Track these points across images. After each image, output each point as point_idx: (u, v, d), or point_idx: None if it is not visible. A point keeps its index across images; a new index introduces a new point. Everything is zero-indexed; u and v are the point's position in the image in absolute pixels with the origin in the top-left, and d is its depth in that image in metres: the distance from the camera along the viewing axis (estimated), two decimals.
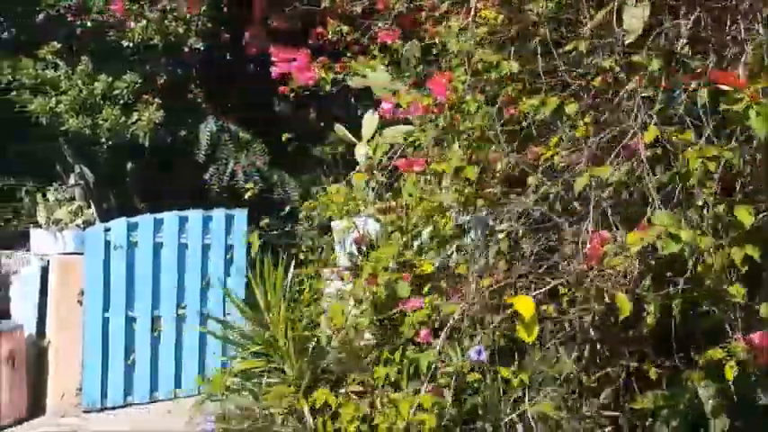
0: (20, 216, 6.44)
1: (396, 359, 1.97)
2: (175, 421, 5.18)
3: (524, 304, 1.66)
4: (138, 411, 5.45)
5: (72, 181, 6.13)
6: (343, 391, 2.11)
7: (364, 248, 2.42)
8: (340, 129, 3.25)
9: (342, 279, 2.44)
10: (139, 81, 5.85)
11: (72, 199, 6.01)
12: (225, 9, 5.25)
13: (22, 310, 5.67)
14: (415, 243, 2.26)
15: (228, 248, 6.20)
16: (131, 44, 5.88)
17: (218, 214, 6.15)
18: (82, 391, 5.34)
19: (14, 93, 5.78)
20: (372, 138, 3.00)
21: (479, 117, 1.95)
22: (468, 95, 1.93)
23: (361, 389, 2.01)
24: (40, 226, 5.96)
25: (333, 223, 3.27)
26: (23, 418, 5.10)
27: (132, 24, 5.15)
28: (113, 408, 5.45)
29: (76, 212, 5.50)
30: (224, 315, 6.14)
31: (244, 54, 5.73)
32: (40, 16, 5.94)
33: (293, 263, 7.47)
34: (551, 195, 1.92)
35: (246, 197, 6.98)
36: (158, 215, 5.76)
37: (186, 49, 6.08)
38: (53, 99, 5.64)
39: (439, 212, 2.07)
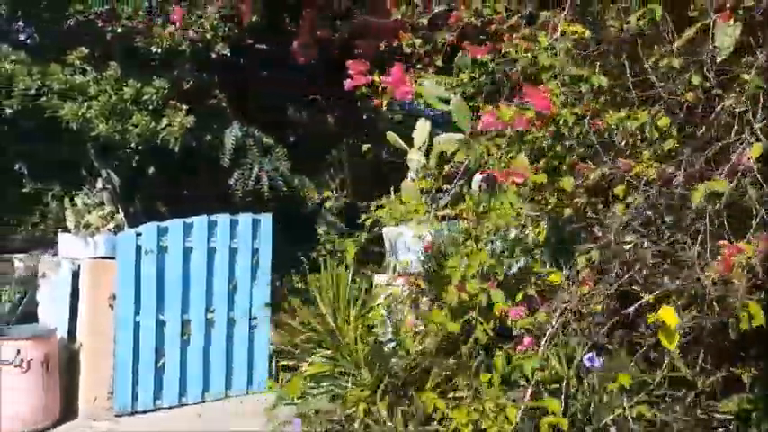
0: (46, 220, 6.49)
1: (498, 365, 2.03)
2: (207, 424, 5.27)
3: (669, 315, 1.75)
4: (167, 415, 5.48)
5: (99, 185, 6.15)
6: (425, 395, 2.16)
7: (431, 255, 2.46)
8: (392, 136, 3.30)
9: (410, 284, 2.47)
10: (168, 87, 5.89)
11: (100, 203, 6.04)
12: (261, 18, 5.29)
13: (53, 313, 5.70)
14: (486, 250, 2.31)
15: (254, 252, 6.26)
16: (160, 50, 5.92)
17: (245, 218, 6.20)
18: (113, 394, 5.36)
19: (44, 98, 5.80)
20: (425, 145, 3.07)
21: (575, 129, 2.02)
22: (564, 108, 2.00)
23: (460, 394, 2.06)
24: (69, 230, 6.01)
25: (384, 230, 3.32)
26: (57, 421, 5.13)
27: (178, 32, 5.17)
28: (144, 412, 5.48)
29: (107, 217, 5.52)
30: (250, 319, 6.22)
31: (271, 60, 5.78)
32: (69, 22, 5.97)
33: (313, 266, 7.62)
34: (646, 206, 1.98)
35: (269, 201, 7.09)
36: (188, 220, 5.81)
37: (213, 55, 6.13)
38: (84, 104, 5.67)
39: (516, 222, 2.13)
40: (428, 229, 2.80)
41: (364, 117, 9.28)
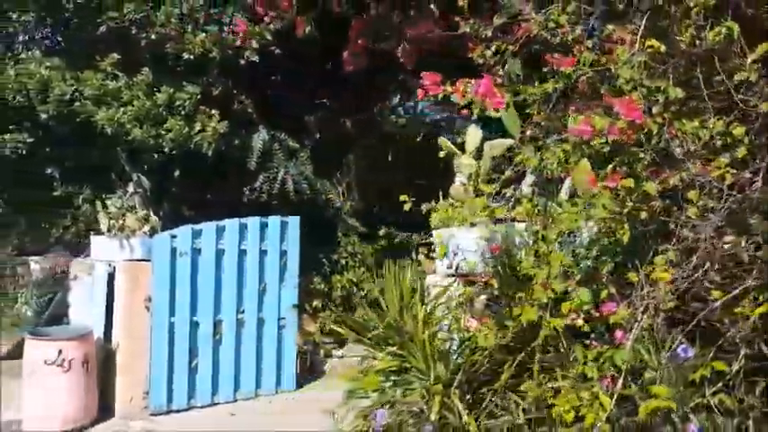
0: (78, 223, 6.58)
1: (587, 356, 2.17)
2: (243, 424, 5.35)
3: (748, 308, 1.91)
4: (202, 414, 5.58)
5: (130, 189, 6.26)
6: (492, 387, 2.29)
7: (499, 256, 2.59)
8: (444, 141, 3.45)
9: (470, 283, 2.60)
10: (200, 93, 6.01)
11: (132, 207, 6.15)
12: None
13: (86, 314, 5.80)
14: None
15: (282, 254, 6.39)
16: (191, 56, 6.04)
17: (274, 221, 6.33)
18: (149, 394, 5.46)
19: (77, 103, 5.90)
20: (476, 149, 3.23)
21: (654, 138, 2.18)
22: (648, 118, 2.15)
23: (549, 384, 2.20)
24: (101, 233, 6.11)
25: (436, 232, 3.45)
26: (95, 420, 5.22)
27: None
28: (178, 411, 5.58)
29: (143, 220, 5.63)
30: (279, 320, 6.35)
31: (300, 68, 5.91)
32: (102, 28, 6.08)
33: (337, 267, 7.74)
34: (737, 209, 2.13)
35: (288, 204, 7.20)
36: (220, 222, 5.93)
37: (242, 62, 6.26)
38: (120, 110, 5.78)
39: (598, 223, 2.27)
40: (486, 231, 2.95)
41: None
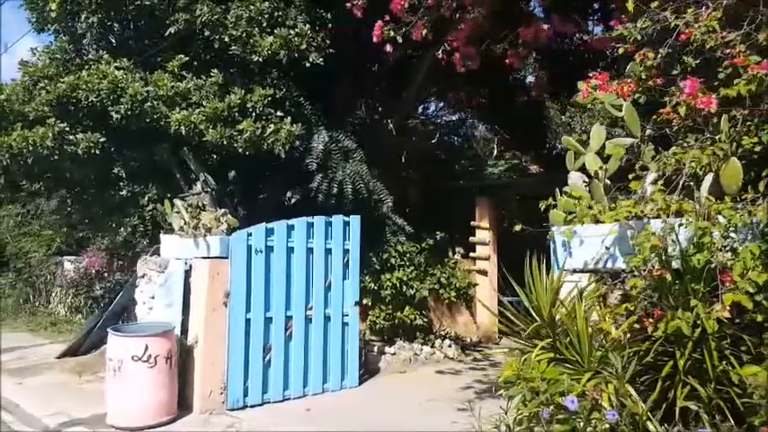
0: (145, 222, 6.67)
1: None
2: (322, 421, 5.45)
3: None
4: (278, 410, 5.67)
5: (198, 189, 6.37)
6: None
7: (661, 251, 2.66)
8: (568, 139, 3.61)
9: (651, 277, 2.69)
10: (271, 94, 6.13)
11: (201, 206, 6.25)
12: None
13: (159, 311, 5.89)
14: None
15: (345, 252, 6.54)
16: (260, 58, 6.16)
17: (337, 220, 6.47)
18: (226, 389, 5.57)
19: (148, 104, 5.99)
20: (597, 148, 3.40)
21: None
22: None
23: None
24: (170, 231, 6.21)
25: (554, 228, 3.60)
26: (176, 416, 5.31)
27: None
28: (252, 406, 5.69)
29: (220, 219, 5.74)
30: (343, 316, 6.48)
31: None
32: (171, 30, 6.18)
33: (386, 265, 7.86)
34: None
35: (340, 206, 7.32)
36: (290, 221, 6.06)
37: (307, 64, 6.39)
38: (196, 110, 5.88)
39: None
40: (615, 227, 3.10)
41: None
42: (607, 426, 2.53)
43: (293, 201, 7.71)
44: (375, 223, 8.06)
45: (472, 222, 9.22)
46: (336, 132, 7.02)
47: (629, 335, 2.77)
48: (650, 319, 2.64)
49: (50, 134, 5.71)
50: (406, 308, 7.79)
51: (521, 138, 13.03)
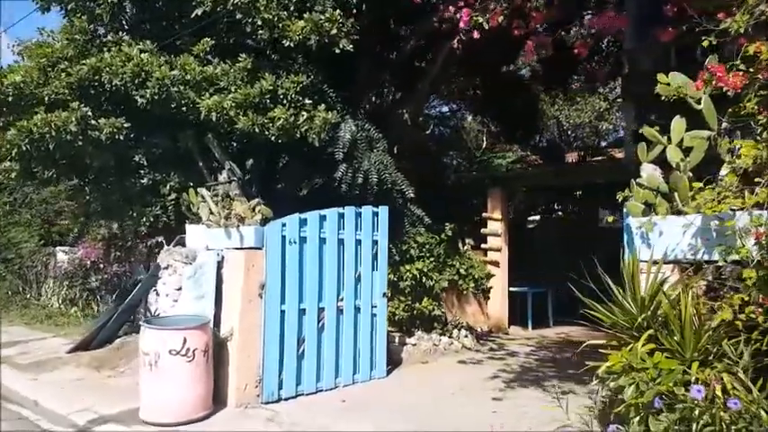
0: (167, 212, 6.44)
1: None
2: (362, 412, 5.38)
3: None
4: (314, 401, 5.58)
5: (224, 177, 6.19)
6: None
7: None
8: (650, 131, 3.60)
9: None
10: (304, 81, 5.97)
11: (227, 196, 6.08)
12: None
13: (186, 304, 5.71)
14: None
15: (374, 243, 6.46)
16: (292, 44, 5.98)
17: (366, 211, 6.38)
18: (261, 382, 5.45)
19: (174, 89, 5.77)
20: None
21: None
22: None
23: None
24: (196, 221, 6.02)
25: (631, 220, 3.61)
26: (212, 411, 5.16)
27: None
28: (287, 399, 5.58)
29: (253, 209, 5.59)
30: (372, 308, 6.41)
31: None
32: (197, 12, 5.95)
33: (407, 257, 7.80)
34: None
35: (365, 196, 7.20)
36: (322, 212, 5.95)
37: (337, 51, 6.25)
38: (224, 96, 5.70)
39: None
40: (699, 219, 3.13)
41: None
42: (723, 414, 2.56)
43: (309, 191, 7.60)
44: (394, 214, 8.00)
45: (484, 214, 9.24)
46: (362, 121, 6.90)
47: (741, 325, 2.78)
48: (760, 309, 2.67)
49: (74, 118, 5.45)
50: (425, 299, 7.77)
51: (513, 130, 13.15)
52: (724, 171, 3.50)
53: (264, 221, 5.61)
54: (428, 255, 7.82)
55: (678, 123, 3.50)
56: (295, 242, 5.68)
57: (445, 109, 16.70)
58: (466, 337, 8.09)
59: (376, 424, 4.88)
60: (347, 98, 7.04)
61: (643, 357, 2.77)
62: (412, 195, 7.38)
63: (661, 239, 3.48)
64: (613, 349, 3.10)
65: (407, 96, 9.21)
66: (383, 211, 6.52)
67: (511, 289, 9.67)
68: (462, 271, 8.11)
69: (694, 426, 2.45)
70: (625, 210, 3.69)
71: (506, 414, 5.11)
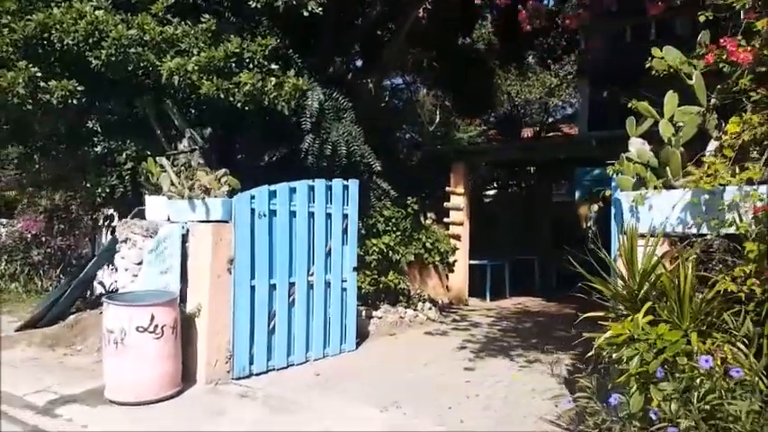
0: (124, 182, 6.07)
1: None
2: (334, 384, 5.34)
3: None
4: (285, 376, 5.50)
5: (183, 146, 5.88)
6: None
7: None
8: (644, 106, 3.62)
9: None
10: (272, 44, 5.69)
11: (188, 164, 5.79)
12: None
13: (147, 278, 5.45)
14: None
15: (344, 217, 6.34)
16: (258, 5, 5.68)
17: (337, 184, 6.25)
18: (232, 358, 5.31)
19: (132, 50, 5.39)
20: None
21: None
22: None
23: None
24: (156, 192, 5.72)
25: (621, 194, 3.64)
26: (182, 388, 4.99)
27: None
28: (258, 374, 5.48)
29: (220, 179, 5.34)
30: (342, 281, 6.33)
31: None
32: None
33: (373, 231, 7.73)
34: None
35: (329, 169, 7.02)
36: (291, 184, 5.76)
37: (305, 14, 5.98)
38: (187, 59, 5.36)
39: None
40: (689, 194, 3.21)
41: None
42: (724, 383, 2.65)
43: (269, 163, 7.35)
44: (361, 187, 7.89)
45: (447, 188, 9.26)
46: (330, 90, 6.69)
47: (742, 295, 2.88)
48: (758, 282, 2.77)
49: (21, 80, 5.00)
50: (390, 273, 7.76)
51: (468, 104, 13.17)
52: (711, 146, 3.59)
53: (231, 193, 5.38)
54: (394, 229, 7.79)
55: (671, 98, 3.55)
56: (265, 215, 5.50)
57: (399, 81, 16.58)
58: (430, 309, 8.17)
59: (353, 396, 4.86)
60: (313, 65, 6.79)
61: (644, 328, 2.84)
62: (379, 168, 7.28)
63: (650, 213, 3.55)
64: (605, 321, 3.16)
65: (371, 66, 9.03)
66: (353, 184, 6.41)
67: (471, 262, 9.83)
68: (428, 245, 8.14)
69: (696, 393, 2.55)
70: (614, 183, 3.74)
71: (481, 383, 5.20)
